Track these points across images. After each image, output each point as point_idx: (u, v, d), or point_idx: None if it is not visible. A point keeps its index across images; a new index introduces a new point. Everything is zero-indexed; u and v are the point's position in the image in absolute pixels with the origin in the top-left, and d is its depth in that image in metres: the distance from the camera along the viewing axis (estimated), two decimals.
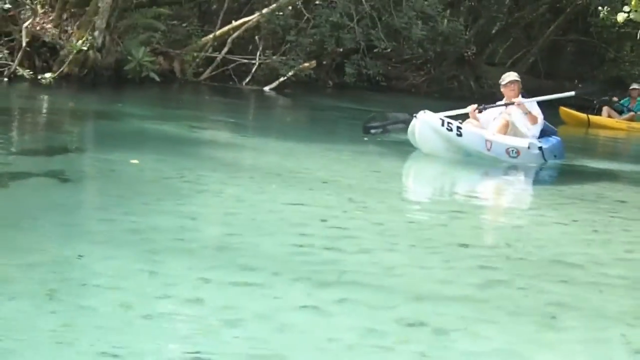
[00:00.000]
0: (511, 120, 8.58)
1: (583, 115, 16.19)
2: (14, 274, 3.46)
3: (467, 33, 22.10)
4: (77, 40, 12.88)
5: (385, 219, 5.25)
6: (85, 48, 12.31)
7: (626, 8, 6.54)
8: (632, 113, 16.47)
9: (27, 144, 7.60)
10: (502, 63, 26.47)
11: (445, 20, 19.05)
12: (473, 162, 8.20)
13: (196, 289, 3.48)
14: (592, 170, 9.00)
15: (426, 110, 8.21)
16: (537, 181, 8.25)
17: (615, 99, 16.92)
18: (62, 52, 12.99)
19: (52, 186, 5.49)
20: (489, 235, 5.43)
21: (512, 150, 8.30)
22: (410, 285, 3.84)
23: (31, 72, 12.00)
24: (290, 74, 16.42)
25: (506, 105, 8.71)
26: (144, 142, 8.02)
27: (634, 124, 16.29)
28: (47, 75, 11.48)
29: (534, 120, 8.62)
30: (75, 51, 12.10)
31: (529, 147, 8.40)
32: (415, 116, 8.13)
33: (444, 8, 18.20)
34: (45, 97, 10.88)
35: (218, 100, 14.79)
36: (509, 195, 7.41)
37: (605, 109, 16.62)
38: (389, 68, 20.46)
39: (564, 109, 16.12)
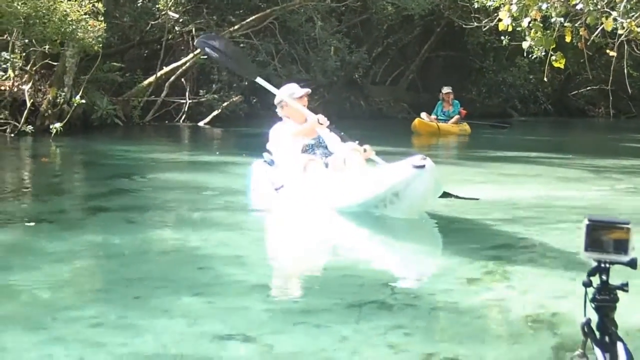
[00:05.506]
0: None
1: (434, 125, 17.81)
2: None
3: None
4: (52, 97, 15.08)
5: None
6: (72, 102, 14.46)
7: (528, 38, 9.41)
8: (457, 116, 18.32)
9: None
10: (383, 82, 29.77)
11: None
12: None
13: None
14: None
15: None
16: None
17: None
18: (41, 109, 15.12)
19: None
20: None
21: None
22: None
23: (32, 128, 14.14)
24: (218, 110, 19.13)
25: None
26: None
27: (464, 127, 18.37)
28: (57, 125, 13.63)
29: None
30: (75, 105, 14.26)
31: None
32: (421, 166, 6.09)
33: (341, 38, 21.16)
34: (58, 149, 13.16)
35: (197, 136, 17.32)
36: None
37: (423, 114, 18.14)
38: None
39: (419, 120, 17.74)
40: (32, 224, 6.42)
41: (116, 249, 5.64)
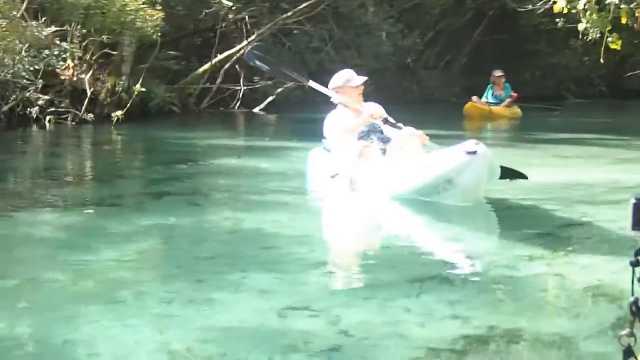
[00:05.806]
0: None
1: (486, 108, 17.42)
2: None
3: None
4: (111, 86, 15.44)
5: None
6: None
7: (584, 20, 9.38)
8: (509, 99, 17.98)
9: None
10: (435, 66, 29.71)
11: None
12: None
13: None
14: None
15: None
16: None
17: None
18: (100, 97, 15.47)
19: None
20: None
21: None
22: None
23: (92, 116, 14.49)
24: (273, 97, 19.31)
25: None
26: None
27: (516, 110, 18.11)
28: (118, 113, 13.98)
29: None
30: (135, 93, 14.61)
31: None
32: (473, 152, 5.90)
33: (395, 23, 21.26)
34: (118, 136, 13.54)
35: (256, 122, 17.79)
36: None
37: (474, 98, 17.69)
38: None
39: (471, 103, 17.35)
40: (99, 207, 6.68)
41: (181, 230, 5.86)
